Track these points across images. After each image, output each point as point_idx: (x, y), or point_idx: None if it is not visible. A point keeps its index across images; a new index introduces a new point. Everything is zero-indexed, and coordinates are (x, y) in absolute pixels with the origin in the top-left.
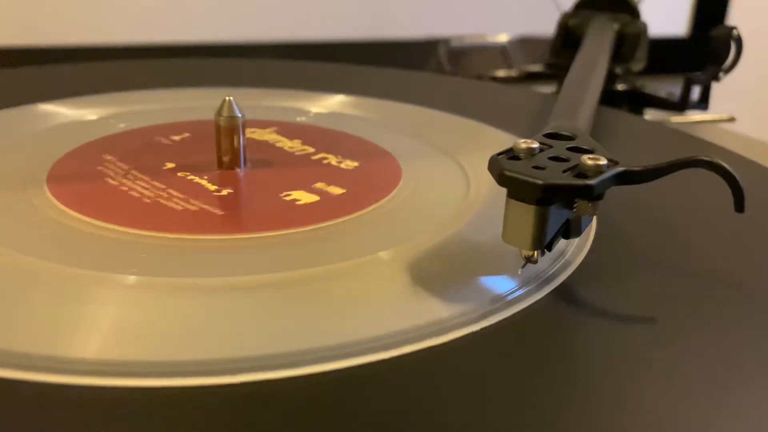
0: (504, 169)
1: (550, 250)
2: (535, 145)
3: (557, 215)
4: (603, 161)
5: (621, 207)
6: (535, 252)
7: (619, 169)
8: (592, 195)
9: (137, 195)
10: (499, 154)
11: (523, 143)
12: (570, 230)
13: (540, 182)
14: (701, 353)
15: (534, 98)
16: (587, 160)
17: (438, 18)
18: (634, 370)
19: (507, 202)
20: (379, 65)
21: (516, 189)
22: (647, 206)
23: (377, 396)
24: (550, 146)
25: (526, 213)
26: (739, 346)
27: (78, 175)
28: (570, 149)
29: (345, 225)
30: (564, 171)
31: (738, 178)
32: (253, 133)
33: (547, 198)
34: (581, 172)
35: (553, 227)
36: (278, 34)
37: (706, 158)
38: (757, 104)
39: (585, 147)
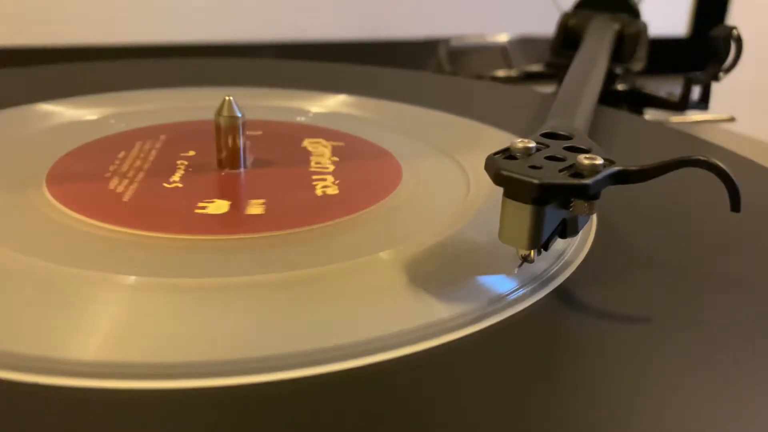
0: (500, 168)
1: (546, 249)
2: (532, 144)
3: (554, 215)
4: (599, 161)
5: (621, 207)
6: (532, 251)
7: (615, 168)
8: (588, 194)
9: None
10: (495, 153)
11: (520, 143)
12: (567, 230)
13: (536, 181)
14: (702, 353)
15: (534, 98)
16: (583, 159)
17: (438, 18)
18: (634, 370)
19: (503, 202)
20: (379, 65)
21: (512, 188)
22: (647, 206)
23: (377, 397)
24: (547, 146)
25: (523, 212)
26: (740, 346)
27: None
28: (567, 149)
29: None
30: (560, 170)
31: (733, 177)
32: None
33: (543, 197)
34: (577, 171)
35: (549, 227)
36: (278, 34)
37: (701, 158)
38: (757, 104)
39: (582, 146)
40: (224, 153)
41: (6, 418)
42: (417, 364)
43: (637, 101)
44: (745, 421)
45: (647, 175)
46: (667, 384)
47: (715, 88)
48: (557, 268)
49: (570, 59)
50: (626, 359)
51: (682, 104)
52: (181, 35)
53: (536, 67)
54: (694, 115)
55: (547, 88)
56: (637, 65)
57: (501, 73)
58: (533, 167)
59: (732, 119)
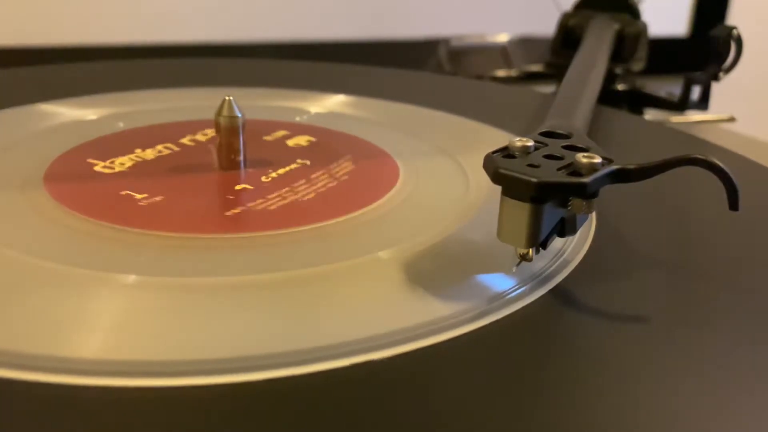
0: (498, 167)
1: (545, 248)
2: (531, 143)
3: (552, 213)
4: (597, 159)
5: (620, 206)
6: (530, 250)
7: (614, 167)
8: (586, 193)
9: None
10: (494, 152)
11: (519, 141)
12: (565, 228)
13: (534, 180)
14: (700, 353)
15: (534, 98)
16: (582, 158)
17: (438, 18)
18: (633, 369)
19: (502, 200)
20: (379, 65)
21: (510, 187)
22: (646, 205)
23: (376, 395)
24: (546, 144)
25: (521, 211)
26: (739, 346)
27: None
28: (565, 147)
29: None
30: (558, 169)
31: (732, 176)
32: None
33: (542, 196)
34: (576, 170)
35: (547, 225)
36: (278, 34)
37: (700, 156)
38: (757, 104)
39: (580, 145)
40: (224, 153)
41: (6, 417)
42: (416, 362)
43: (637, 101)
44: (745, 420)
45: (646, 174)
46: (665, 383)
47: (715, 88)
48: (556, 266)
49: (570, 59)
50: (624, 358)
51: (682, 104)
52: (181, 35)
53: (536, 67)
54: (694, 115)
55: (547, 88)
56: (637, 65)
57: (501, 73)
58: (531, 166)
59: (732, 119)
